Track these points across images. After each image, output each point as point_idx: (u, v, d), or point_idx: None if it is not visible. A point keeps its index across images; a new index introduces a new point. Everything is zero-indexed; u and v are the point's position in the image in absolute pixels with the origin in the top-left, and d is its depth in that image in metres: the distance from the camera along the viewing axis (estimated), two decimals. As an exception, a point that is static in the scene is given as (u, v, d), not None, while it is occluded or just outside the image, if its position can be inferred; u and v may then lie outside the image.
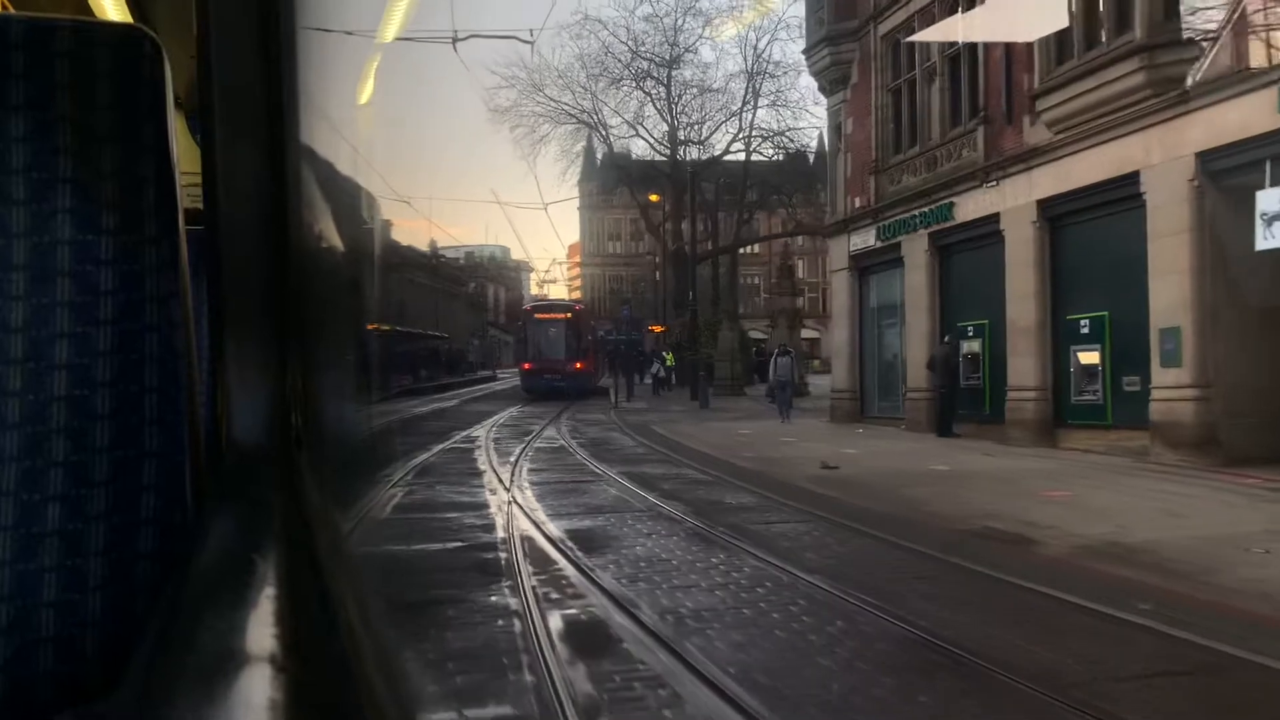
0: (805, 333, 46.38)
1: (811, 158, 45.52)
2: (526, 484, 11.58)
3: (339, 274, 1.21)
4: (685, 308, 43.92)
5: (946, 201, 18.36)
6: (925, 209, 19.01)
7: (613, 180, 59.95)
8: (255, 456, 0.79)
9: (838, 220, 23.19)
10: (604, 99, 46.02)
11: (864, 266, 22.22)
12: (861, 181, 21.92)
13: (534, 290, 78.96)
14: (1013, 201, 16.31)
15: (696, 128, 47.52)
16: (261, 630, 0.59)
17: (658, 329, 48.46)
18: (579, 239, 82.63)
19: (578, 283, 78.22)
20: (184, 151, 0.88)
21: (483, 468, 13.64)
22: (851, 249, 22.33)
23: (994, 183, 16.74)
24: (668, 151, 47.07)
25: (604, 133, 47.34)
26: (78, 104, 0.83)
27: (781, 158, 46.34)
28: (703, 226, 49.74)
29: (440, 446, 16.62)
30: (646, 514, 9.25)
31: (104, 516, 0.83)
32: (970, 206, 17.63)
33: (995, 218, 16.71)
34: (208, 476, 0.87)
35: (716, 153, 46.12)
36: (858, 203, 22.09)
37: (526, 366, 35.36)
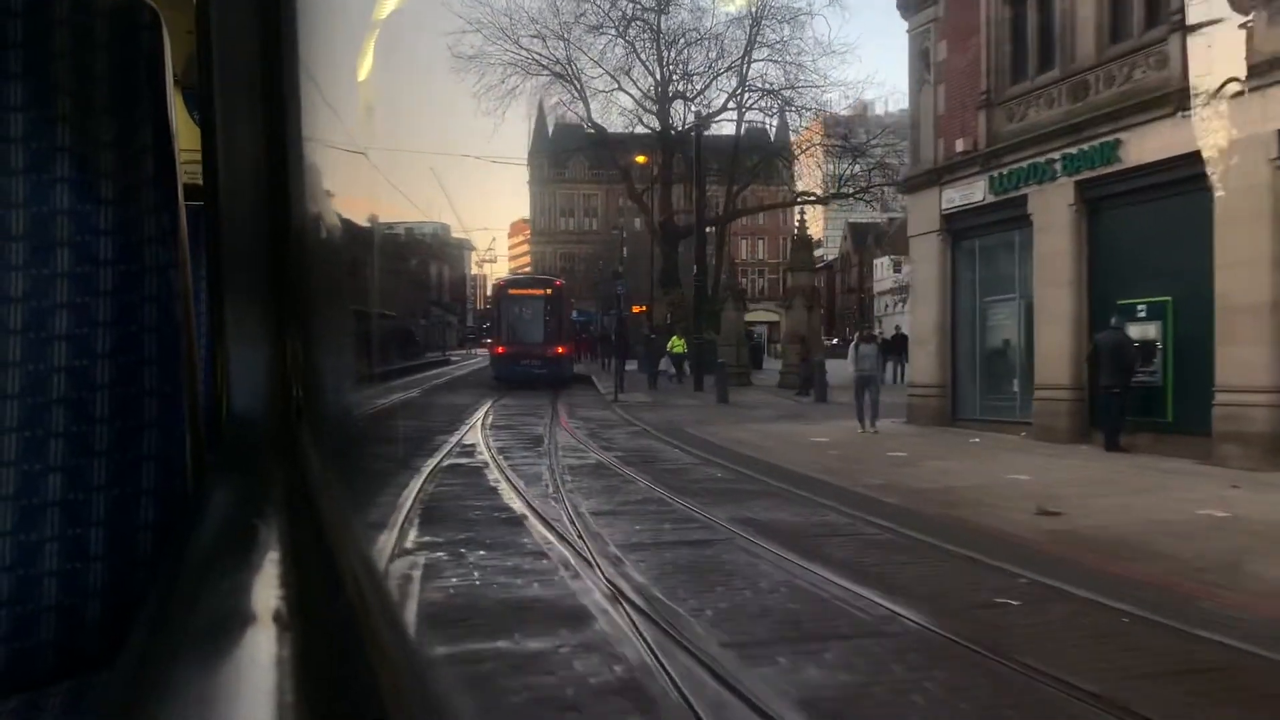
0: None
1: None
2: (614, 549, 8.93)
3: (337, 247, 1.43)
4: (673, 286, 45.91)
5: (1108, 139, 16.99)
6: (1070, 150, 17.84)
7: (568, 150, 62.69)
8: (255, 427, 0.99)
9: (923, 171, 22.13)
10: (581, 47, 47.40)
11: (961, 229, 21.16)
12: (962, 120, 20.86)
13: (473, 270, 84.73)
14: (1229, 136, 14.11)
15: (689, 80, 49.09)
16: (265, 591, 0.72)
17: (637, 310, 49.92)
18: (528, 214, 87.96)
19: (525, 260, 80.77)
20: (182, 127, 1.09)
21: (516, 507, 11.50)
22: (945, 207, 21.23)
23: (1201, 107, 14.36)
24: (654, 109, 48.52)
25: (578, 87, 48.46)
26: (76, 73, 1.03)
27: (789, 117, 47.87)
28: (691, 197, 50.45)
29: (433, 464, 15.17)
30: (895, 645, 6.39)
31: (104, 487, 1.04)
32: (1150, 145, 16.08)
33: (1191, 158, 14.77)
34: (208, 447, 1.09)
35: (712, 110, 47.43)
36: (958, 146, 20.93)
37: (500, 351, 36.81)
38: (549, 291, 38.81)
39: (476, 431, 20.43)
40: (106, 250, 1.04)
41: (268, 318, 1.00)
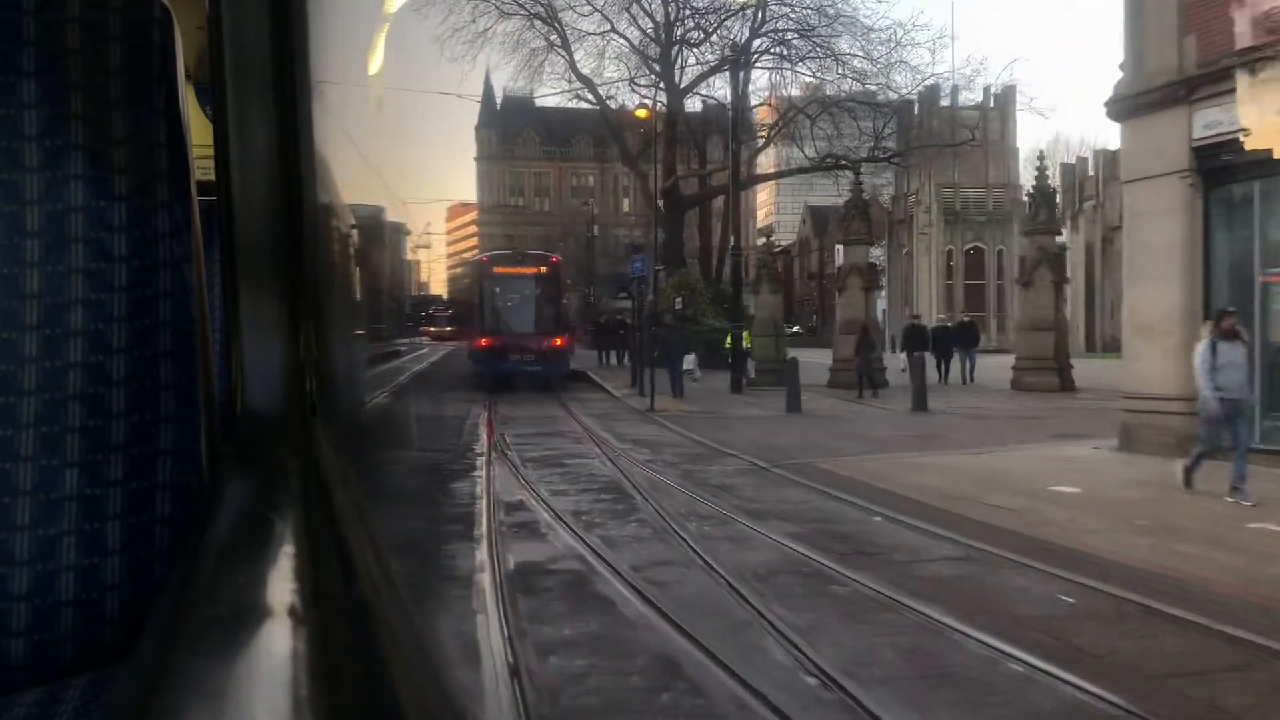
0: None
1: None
2: None
3: (351, 240, 1.46)
4: (677, 265, 39.72)
5: None
6: None
7: (518, 124, 60.80)
8: (270, 420, 1.00)
9: (1157, 86, 15.70)
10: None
11: (1223, 169, 14.86)
12: (1224, 10, 14.61)
13: (409, 257, 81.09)
14: None
15: (699, 18, 43.31)
16: (281, 584, 0.74)
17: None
18: (472, 196, 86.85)
19: (473, 243, 79.90)
20: (194, 121, 1.13)
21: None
22: (1199, 135, 14.96)
23: None
24: (655, 57, 43.62)
25: (559, 29, 43.03)
26: (88, 70, 1.06)
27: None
28: (694, 164, 46.84)
29: (480, 571, 8.83)
30: None
31: (121, 481, 1.06)
32: None
33: None
34: (223, 441, 1.12)
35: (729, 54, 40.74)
36: (1217, 43, 14.68)
37: (483, 343, 30.28)
38: (544, 270, 32.70)
39: (504, 468, 15.21)
40: (120, 246, 1.07)
41: (282, 311, 1.01)
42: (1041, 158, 32.49)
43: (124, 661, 1.04)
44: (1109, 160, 73.29)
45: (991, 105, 65.23)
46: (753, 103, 46.17)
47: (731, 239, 32.67)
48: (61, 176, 1.06)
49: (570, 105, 50.00)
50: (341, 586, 0.79)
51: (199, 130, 1.17)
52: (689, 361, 29.16)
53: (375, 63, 1.57)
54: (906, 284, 75.11)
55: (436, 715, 0.81)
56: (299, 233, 1.02)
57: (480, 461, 15.85)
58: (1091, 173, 73.55)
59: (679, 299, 35.95)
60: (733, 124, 33.78)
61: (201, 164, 1.18)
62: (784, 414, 22.95)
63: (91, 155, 1.06)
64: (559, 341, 31.39)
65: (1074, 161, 76.35)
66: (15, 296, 1.05)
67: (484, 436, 19.26)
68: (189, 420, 1.10)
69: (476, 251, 67.92)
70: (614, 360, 40.54)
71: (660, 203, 42.40)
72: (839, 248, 34.14)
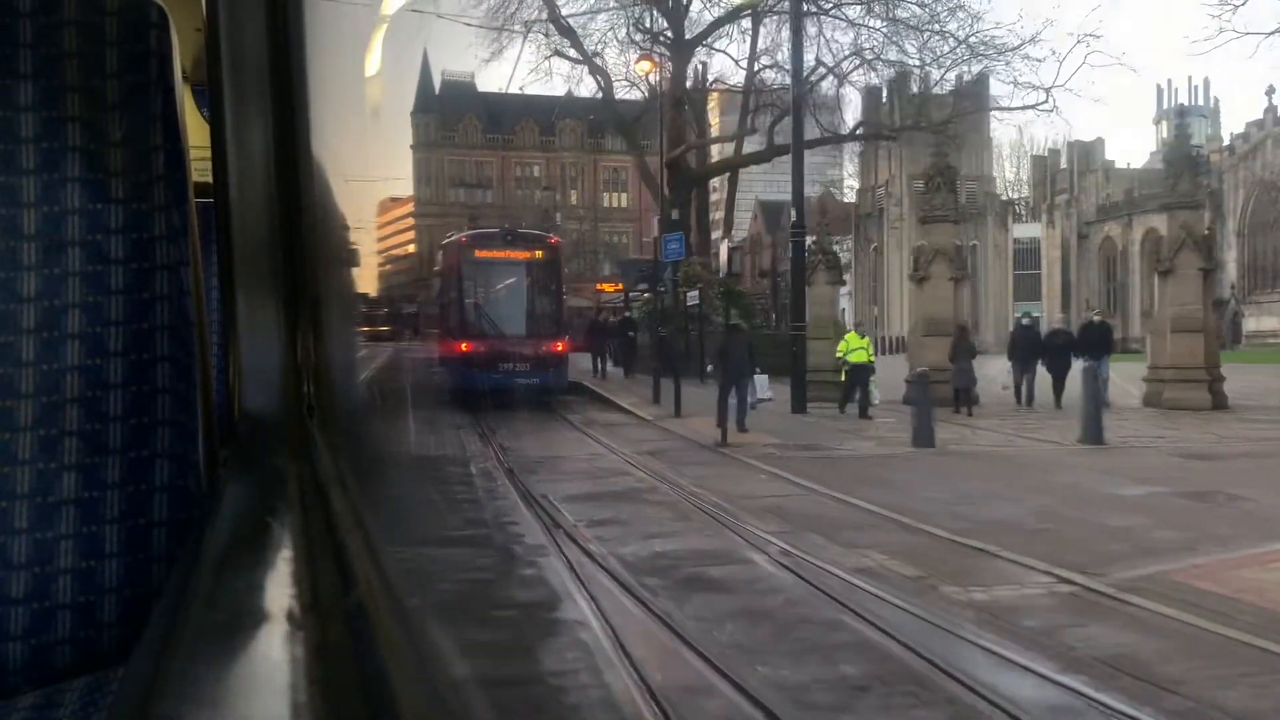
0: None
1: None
2: None
3: (348, 243, 1.49)
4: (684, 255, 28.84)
5: None
6: None
7: (458, 110, 54.99)
8: (268, 423, 1.02)
9: None
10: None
11: None
12: None
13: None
14: None
15: None
16: (278, 589, 0.75)
17: (608, 288, 37.88)
18: (408, 190, 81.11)
19: (409, 237, 78.05)
20: (191, 124, 1.15)
21: None
22: None
23: None
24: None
25: None
26: (86, 73, 1.07)
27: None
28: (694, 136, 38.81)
29: None
30: None
31: (118, 485, 1.08)
32: None
33: None
34: (221, 444, 1.14)
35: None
36: None
37: (461, 349, 23.38)
38: (540, 254, 25.60)
39: (618, 607, 7.67)
40: (118, 249, 1.08)
41: (279, 314, 1.02)
42: (1182, 113, 26.61)
43: (122, 665, 1.05)
44: (1083, 152, 73.54)
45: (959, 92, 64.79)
46: (767, 63, 38.63)
47: (793, 214, 23.49)
48: (58, 179, 1.07)
49: (515, 93, 46.22)
50: (339, 591, 0.80)
51: (197, 132, 1.19)
52: (761, 385, 19.66)
53: (372, 64, 1.59)
54: (875, 281, 73.01)
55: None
56: (296, 236, 1.02)
57: (563, 597, 8.20)
58: (1064, 165, 73.17)
59: (691, 294, 29.88)
60: (747, 83, 28.94)
61: (199, 165, 1.20)
62: (914, 450, 16.38)
63: (88, 158, 1.08)
64: (559, 346, 24.63)
65: (1044, 154, 76.10)
66: (12, 299, 1.06)
67: (516, 502, 12.36)
68: (186, 424, 1.11)
69: (414, 246, 62.57)
70: (603, 365, 32.48)
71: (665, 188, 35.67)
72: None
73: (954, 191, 26.52)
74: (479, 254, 25.11)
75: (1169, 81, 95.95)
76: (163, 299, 1.10)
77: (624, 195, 73.58)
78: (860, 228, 74.72)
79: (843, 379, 22.34)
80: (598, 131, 70.62)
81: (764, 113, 38.91)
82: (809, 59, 33.62)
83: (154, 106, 1.10)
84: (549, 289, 25.75)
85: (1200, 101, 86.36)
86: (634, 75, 38.05)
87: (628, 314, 34.73)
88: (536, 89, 47.06)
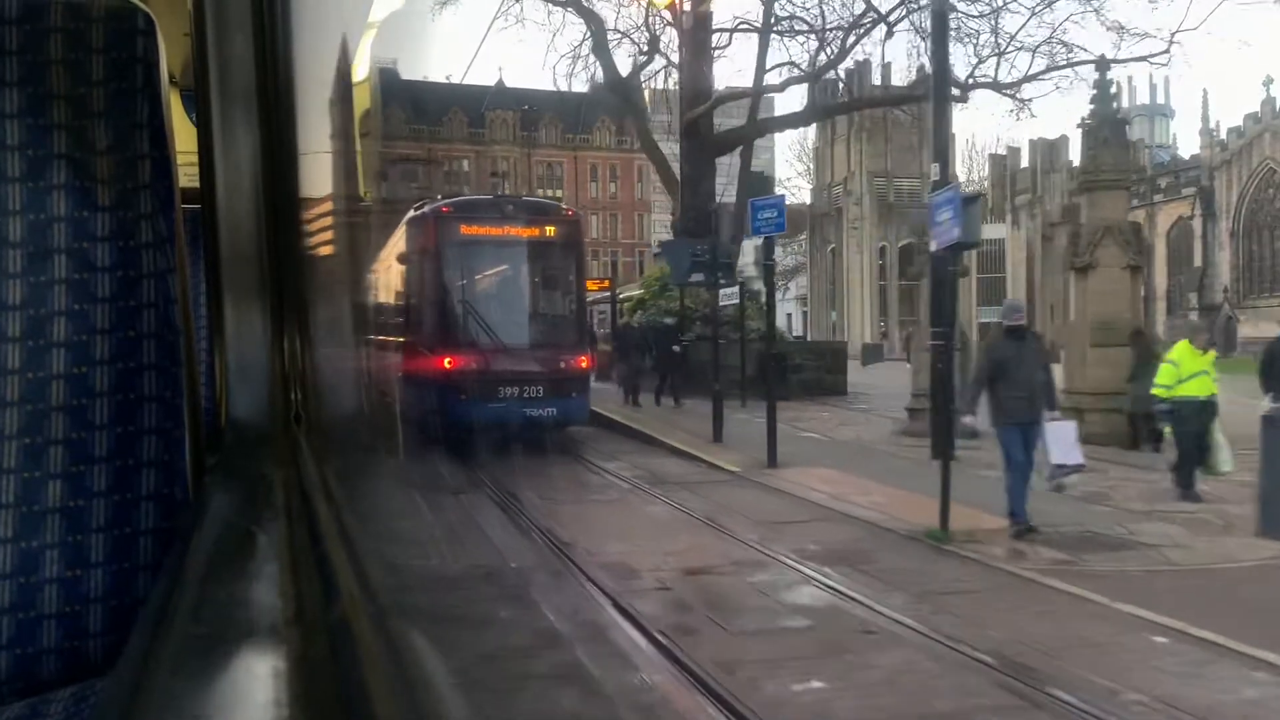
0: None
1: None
2: None
3: (337, 250, 1.51)
4: (702, 235, 22.72)
5: None
6: None
7: (382, 99, 52.58)
8: (255, 432, 1.02)
9: None
10: None
11: None
12: None
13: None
14: None
15: None
16: (262, 602, 0.77)
17: (591, 286, 27.32)
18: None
19: (328, 236, 75.60)
20: (179, 129, 1.17)
21: None
22: None
23: None
24: None
25: None
26: (72, 80, 1.08)
27: None
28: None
29: None
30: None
31: (104, 493, 1.08)
32: None
33: None
34: (207, 452, 1.14)
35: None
36: None
37: (440, 365, 16.35)
38: (553, 231, 18.53)
39: None
40: (104, 256, 1.09)
41: (266, 322, 1.03)
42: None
43: (108, 675, 1.06)
44: (1046, 150, 73.13)
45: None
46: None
47: (934, 172, 15.50)
48: (44, 187, 1.08)
49: (442, 81, 44.43)
50: (322, 605, 0.81)
51: (184, 138, 1.21)
52: (1065, 440, 10.70)
53: (360, 69, 1.61)
54: (834, 285, 70.11)
55: None
56: (284, 241, 1.04)
57: None
58: (1025, 164, 71.57)
59: (729, 289, 22.65)
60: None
61: (187, 171, 1.22)
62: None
63: (74, 165, 1.09)
64: (582, 362, 17.69)
65: (1004, 153, 75.59)
66: None
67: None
68: (173, 432, 1.11)
69: (331, 248, 57.05)
70: (636, 388, 23.81)
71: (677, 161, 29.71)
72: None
73: (1126, 148, 20.46)
74: (466, 230, 17.33)
75: (1129, 79, 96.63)
76: (149, 306, 1.11)
77: (559, 190, 71.88)
78: (816, 228, 73.99)
79: (1165, 429, 13.18)
80: (531, 125, 69.24)
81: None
82: (859, 5, 28.97)
83: (140, 113, 1.10)
84: (567, 280, 18.21)
85: (1161, 100, 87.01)
86: (635, 18, 30.95)
87: (665, 321, 25.25)
88: (504, 40, 43.44)
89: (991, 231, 71.23)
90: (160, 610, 0.85)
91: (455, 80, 48.21)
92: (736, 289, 21.60)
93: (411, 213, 18.22)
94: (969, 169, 74.74)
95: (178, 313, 1.11)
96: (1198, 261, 57.83)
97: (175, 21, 1.30)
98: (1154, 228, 61.93)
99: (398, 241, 18.33)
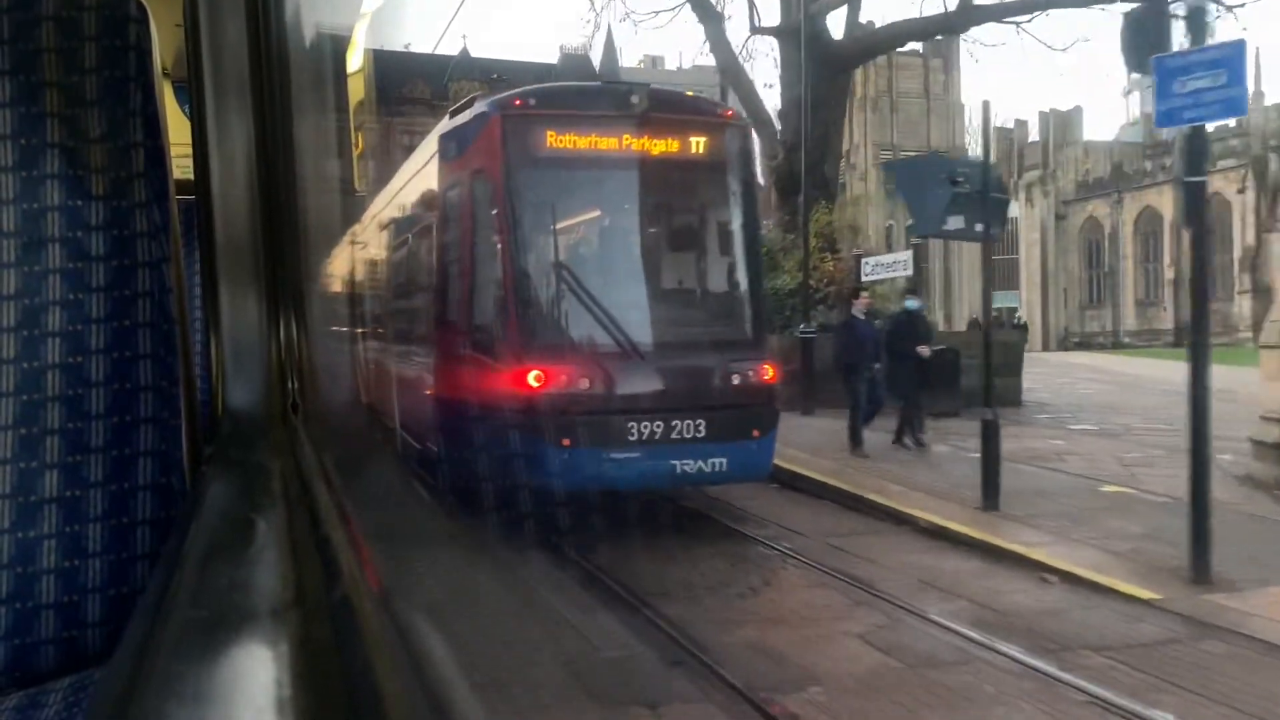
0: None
1: None
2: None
3: (331, 238, 1.56)
4: (818, 191, 19.31)
5: None
6: None
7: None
8: (251, 420, 1.04)
9: None
10: None
11: None
12: None
13: None
14: None
15: None
16: (262, 585, 0.78)
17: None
18: None
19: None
20: (172, 120, 1.20)
21: None
22: None
23: None
24: None
25: None
26: (65, 68, 1.10)
27: None
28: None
29: None
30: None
31: (101, 483, 1.11)
32: None
33: None
34: (204, 441, 1.15)
35: None
36: None
37: (530, 384, 9.10)
38: (712, 145, 10.41)
39: None
40: (98, 246, 1.12)
41: (262, 310, 1.05)
42: None
43: (105, 665, 1.07)
44: (1060, 123, 66.94)
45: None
46: None
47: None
48: (37, 175, 1.11)
49: (402, 50, 42.61)
50: (323, 587, 0.82)
51: (178, 129, 1.24)
52: None
53: (354, 58, 1.65)
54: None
55: (419, 714, 0.82)
56: (279, 232, 1.05)
57: None
58: (1035, 137, 67.96)
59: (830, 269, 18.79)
60: None
61: (181, 162, 1.25)
62: None
63: (68, 154, 1.11)
64: (765, 372, 10.28)
65: (1011, 125, 69.46)
66: None
67: None
68: (169, 421, 1.14)
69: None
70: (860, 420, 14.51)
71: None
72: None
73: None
74: (557, 141, 9.96)
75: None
76: (144, 296, 1.13)
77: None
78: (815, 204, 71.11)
79: None
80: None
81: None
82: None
83: (134, 102, 1.13)
84: (733, 229, 10.96)
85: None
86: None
87: (911, 307, 15.59)
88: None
89: (1003, 209, 69.60)
90: (159, 596, 0.86)
91: (415, 50, 47.18)
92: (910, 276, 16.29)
93: (448, 120, 11.12)
94: (972, 143, 72.23)
95: (173, 302, 1.13)
96: (1237, 240, 56.16)
97: (167, 13, 1.34)
98: (1186, 204, 59.67)
99: (416, 175, 12.00)
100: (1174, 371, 16.85)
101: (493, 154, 9.90)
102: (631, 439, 9.34)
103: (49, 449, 1.12)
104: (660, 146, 10.22)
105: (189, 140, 1.10)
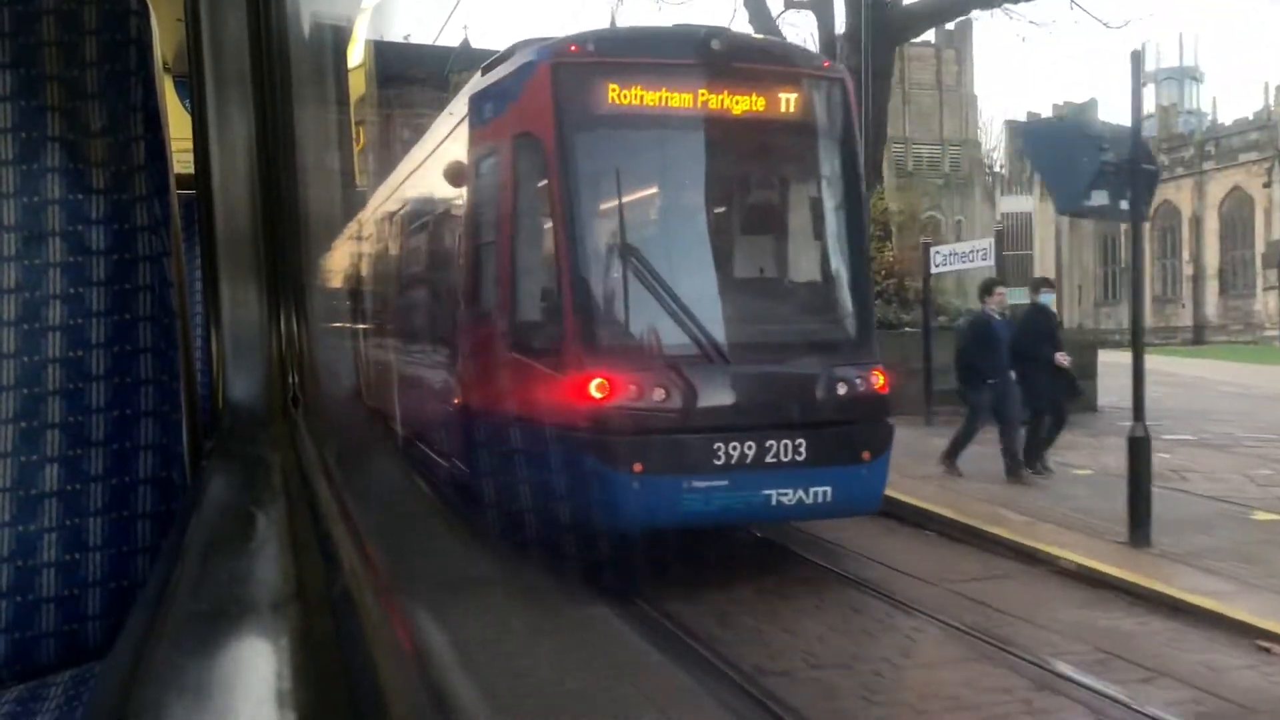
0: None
1: None
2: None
3: (332, 233, 1.57)
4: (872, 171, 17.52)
5: None
6: None
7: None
8: (252, 414, 1.04)
9: None
10: None
11: None
12: None
13: None
14: None
15: None
16: (263, 578, 0.79)
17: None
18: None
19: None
20: (173, 114, 1.21)
21: None
22: None
23: None
24: None
25: None
26: (65, 62, 1.10)
27: None
28: None
29: None
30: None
31: (102, 477, 1.11)
32: None
33: None
34: (205, 435, 1.15)
35: None
36: None
37: (591, 395, 7.31)
38: (808, 103, 8.54)
39: None
40: (99, 239, 1.12)
41: (263, 305, 1.05)
42: None
43: (106, 658, 1.08)
44: (1074, 115, 71.02)
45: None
46: None
47: None
48: (38, 169, 1.11)
49: (402, 41, 42.51)
50: (323, 580, 0.83)
51: (179, 124, 1.25)
52: None
53: (355, 53, 1.65)
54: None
55: (419, 707, 0.82)
56: (280, 226, 1.07)
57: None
58: None
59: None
60: None
61: (181, 157, 1.26)
62: None
63: (68, 148, 1.11)
64: (876, 379, 8.27)
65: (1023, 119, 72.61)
66: None
67: None
68: (170, 415, 1.14)
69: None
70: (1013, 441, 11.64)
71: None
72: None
73: None
74: (627, 94, 7.97)
75: (1154, 41, 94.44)
76: (145, 290, 1.13)
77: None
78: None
79: None
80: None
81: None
82: None
83: (134, 96, 1.13)
84: (834, 205, 9.01)
85: (1190, 63, 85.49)
86: None
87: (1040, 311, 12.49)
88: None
89: (1016, 204, 69.47)
90: (159, 589, 0.87)
91: (416, 40, 46.78)
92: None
93: (479, 76, 9.52)
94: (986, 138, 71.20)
95: (174, 296, 1.14)
96: (1259, 235, 55.76)
97: (168, 7, 1.35)
98: (1203, 199, 58.79)
99: (438, 148, 10.57)
100: (1217, 371, 16.42)
101: (542, 112, 7.95)
102: (718, 463, 7.51)
103: (50, 443, 1.12)
104: (746, 104, 8.29)
105: (190, 134, 1.11)
